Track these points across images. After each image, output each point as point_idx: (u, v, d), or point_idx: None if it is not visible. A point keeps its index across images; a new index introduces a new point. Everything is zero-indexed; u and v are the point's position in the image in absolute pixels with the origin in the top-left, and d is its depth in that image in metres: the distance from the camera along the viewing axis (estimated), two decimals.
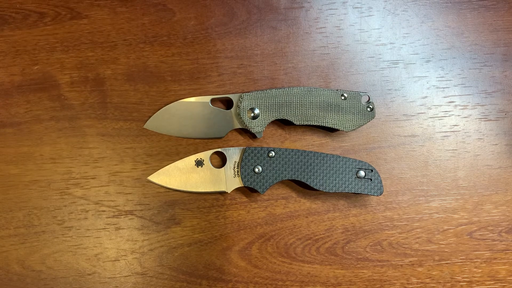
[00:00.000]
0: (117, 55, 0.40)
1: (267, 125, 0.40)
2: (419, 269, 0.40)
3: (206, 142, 0.40)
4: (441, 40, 0.41)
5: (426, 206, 0.41)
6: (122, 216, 0.40)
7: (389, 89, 0.41)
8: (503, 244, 0.40)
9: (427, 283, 0.40)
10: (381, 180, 0.38)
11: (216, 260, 0.40)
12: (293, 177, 0.38)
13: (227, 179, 0.39)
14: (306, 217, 0.40)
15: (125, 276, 0.40)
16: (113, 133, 0.40)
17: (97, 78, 0.40)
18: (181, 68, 0.40)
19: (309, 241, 0.40)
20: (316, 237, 0.40)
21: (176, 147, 0.40)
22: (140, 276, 0.40)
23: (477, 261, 0.40)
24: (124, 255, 0.40)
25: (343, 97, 0.39)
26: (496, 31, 0.41)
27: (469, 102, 0.41)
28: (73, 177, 0.40)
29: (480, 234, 0.40)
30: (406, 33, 0.41)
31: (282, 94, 0.39)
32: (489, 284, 0.40)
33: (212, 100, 0.40)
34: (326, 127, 0.40)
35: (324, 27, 0.41)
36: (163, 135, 0.40)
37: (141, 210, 0.40)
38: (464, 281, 0.40)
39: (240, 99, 0.39)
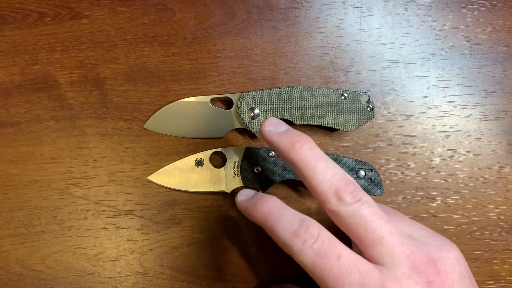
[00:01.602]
0: (117, 55, 0.40)
1: None
2: None
3: (206, 142, 0.40)
4: (441, 40, 0.41)
5: (426, 206, 0.41)
6: (122, 216, 0.40)
7: (389, 89, 0.41)
8: (503, 244, 0.40)
9: None
10: (381, 180, 0.38)
11: (216, 260, 0.40)
12: (293, 177, 0.38)
13: (227, 179, 0.39)
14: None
15: (125, 276, 0.40)
16: (113, 133, 0.40)
17: (97, 78, 0.40)
18: (181, 68, 0.40)
19: None
20: None
21: (176, 147, 0.40)
22: (140, 276, 0.40)
23: (477, 261, 0.40)
24: (124, 255, 0.40)
25: (343, 97, 0.39)
26: (496, 31, 0.41)
27: (469, 102, 0.41)
28: (73, 177, 0.40)
29: (480, 234, 0.40)
30: (406, 33, 0.41)
31: (282, 94, 0.39)
32: (489, 284, 0.40)
33: (212, 100, 0.40)
34: (326, 127, 0.40)
35: (324, 27, 0.41)
36: (163, 135, 0.40)
37: (141, 210, 0.40)
38: None
39: (240, 99, 0.39)
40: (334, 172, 0.28)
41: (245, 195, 0.33)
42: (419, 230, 0.30)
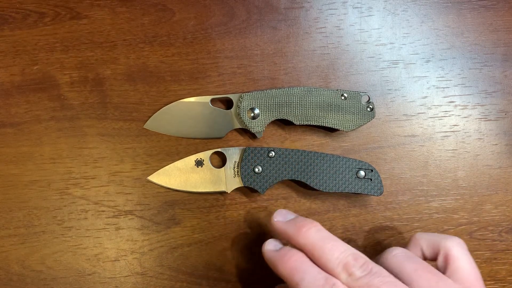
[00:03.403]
0: (117, 55, 0.40)
1: (267, 125, 0.40)
2: None
3: (206, 142, 0.40)
4: (441, 40, 0.41)
5: (426, 206, 0.41)
6: (122, 216, 0.40)
7: (389, 89, 0.41)
8: (503, 244, 0.40)
9: None
10: (381, 180, 0.38)
11: (216, 260, 0.40)
12: (293, 177, 0.38)
13: (227, 179, 0.39)
14: (306, 217, 0.40)
15: (125, 276, 0.40)
16: (113, 133, 0.40)
17: (97, 78, 0.40)
18: (181, 68, 0.40)
19: None
20: None
21: (176, 147, 0.40)
22: (140, 276, 0.40)
23: (477, 261, 0.40)
24: (124, 255, 0.40)
25: (343, 97, 0.39)
26: (496, 31, 0.41)
27: (469, 102, 0.41)
28: (73, 177, 0.40)
29: (480, 234, 0.40)
30: (406, 33, 0.41)
31: (282, 94, 0.39)
32: (489, 284, 0.40)
33: (212, 100, 0.40)
34: (326, 127, 0.40)
35: (324, 27, 0.41)
36: (163, 135, 0.40)
37: (141, 210, 0.40)
38: None
39: (240, 99, 0.39)
40: (342, 249, 0.29)
41: (273, 245, 0.33)
42: (446, 285, 0.29)
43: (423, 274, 0.29)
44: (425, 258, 0.32)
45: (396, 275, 0.28)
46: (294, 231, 0.31)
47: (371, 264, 0.28)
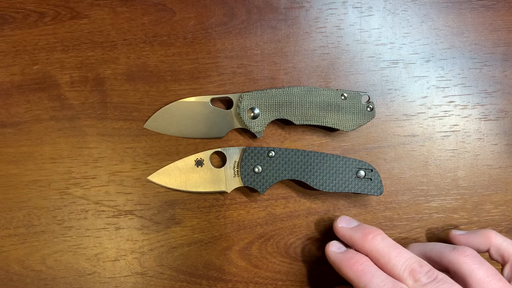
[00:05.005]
0: (117, 55, 0.40)
1: (267, 125, 0.40)
2: None
3: (206, 142, 0.40)
4: (441, 40, 0.41)
5: (426, 206, 0.41)
6: (122, 216, 0.40)
7: (389, 89, 0.41)
8: None
9: None
10: (381, 180, 0.38)
11: (216, 260, 0.40)
12: (293, 177, 0.38)
13: (227, 179, 0.39)
14: (306, 217, 0.40)
15: (125, 276, 0.40)
16: (113, 133, 0.40)
17: (97, 78, 0.40)
18: (181, 68, 0.40)
19: (309, 241, 0.40)
20: (316, 237, 0.40)
21: (176, 147, 0.40)
22: (140, 276, 0.40)
23: None
24: (124, 255, 0.40)
25: (343, 97, 0.39)
26: (496, 31, 0.41)
27: (469, 102, 0.41)
28: (73, 177, 0.40)
29: None
30: (406, 33, 0.41)
31: (282, 94, 0.39)
32: None
33: (212, 100, 0.40)
34: (326, 127, 0.40)
35: (324, 27, 0.41)
36: (163, 135, 0.40)
37: (141, 210, 0.40)
38: None
39: (240, 99, 0.39)
40: (407, 257, 0.31)
41: (336, 247, 0.34)
42: None
43: (492, 282, 0.30)
44: (483, 252, 0.34)
45: (462, 275, 0.30)
46: (360, 237, 0.32)
47: (436, 271, 0.30)
